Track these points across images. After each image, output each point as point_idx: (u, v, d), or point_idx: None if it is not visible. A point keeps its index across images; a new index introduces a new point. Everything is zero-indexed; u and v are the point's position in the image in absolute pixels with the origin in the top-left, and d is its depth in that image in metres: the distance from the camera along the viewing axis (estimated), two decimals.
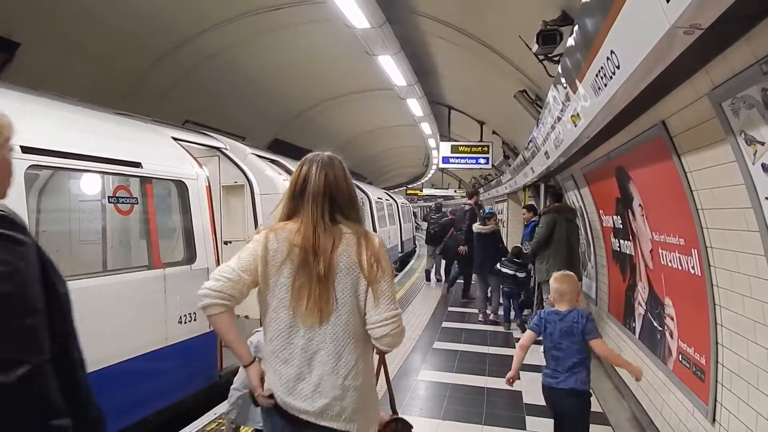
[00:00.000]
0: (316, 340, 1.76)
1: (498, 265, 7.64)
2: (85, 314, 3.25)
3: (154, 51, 6.99)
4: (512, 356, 3.26)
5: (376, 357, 2.13)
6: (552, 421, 3.14)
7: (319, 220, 1.80)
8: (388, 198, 17.14)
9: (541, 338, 3.15)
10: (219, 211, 5.53)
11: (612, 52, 2.21)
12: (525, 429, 4.00)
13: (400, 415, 2.27)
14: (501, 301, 7.81)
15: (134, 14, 6.02)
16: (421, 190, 28.50)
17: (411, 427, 2.24)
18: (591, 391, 3.05)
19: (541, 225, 6.54)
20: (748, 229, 2.33)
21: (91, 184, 4.18)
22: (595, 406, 4.43)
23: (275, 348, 1.80)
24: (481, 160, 10.28)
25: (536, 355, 4.99)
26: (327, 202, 1.83)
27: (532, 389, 4.52)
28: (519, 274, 7.30)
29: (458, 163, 10.49)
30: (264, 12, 6.78)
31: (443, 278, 11.38)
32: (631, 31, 1.95)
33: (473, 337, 6.97)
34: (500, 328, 7.42)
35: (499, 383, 5.03)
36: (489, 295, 8.07)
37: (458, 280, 10.12)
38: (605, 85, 2.48)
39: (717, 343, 2.87)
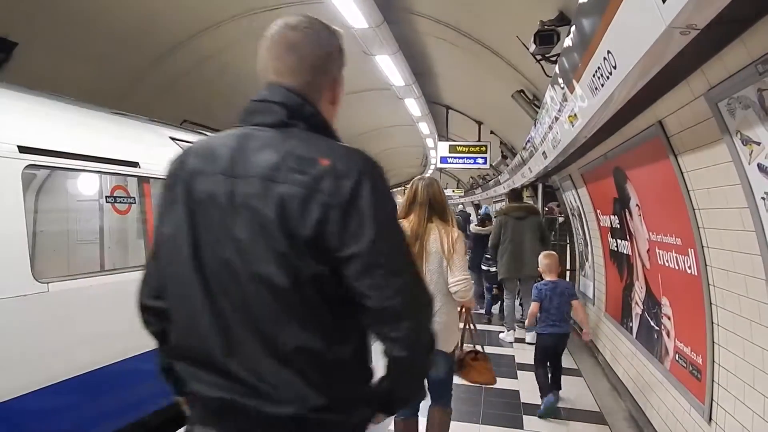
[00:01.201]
0: None
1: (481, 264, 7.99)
2: (83, 314, 3.25)
3: (152, 51, 6.98)
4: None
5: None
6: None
7: (423, 219, 2.94)
8: None
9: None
10: None
11: (609, 52, 2.21)
12: (522, 428, 4.00)
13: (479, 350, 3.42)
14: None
15: (131, 15, 6.01)
16: None
17: (488, 357, 3.42)
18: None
19: (492, 230, 7.05)
20: (744, 229, 2.34)
21: (88, 184, 4.17)
22: (592, 405, 4.45)
23: None
24: (479, 160, 10.28)
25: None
26: (428, 208, 2.97)
27: (529, 389, 4.53)
28: (491, 270, 7.54)
29: (456, 162, 10.49)
30: (261, 12, 6.77)
31: None
32: (628, 32, 1.96)
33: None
34: (496, 328, 7.44)
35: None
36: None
37: None
38: (602, 86, 2.48)
39: (713, 342, 2.88)
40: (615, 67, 2.21)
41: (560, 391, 4.45)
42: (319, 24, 1.29)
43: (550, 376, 4.40)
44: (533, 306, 4.39)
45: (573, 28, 2.79)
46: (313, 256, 1.06)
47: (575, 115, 3.38)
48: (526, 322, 4.68)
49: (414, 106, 9.76)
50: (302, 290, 1.07)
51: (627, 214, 4.39)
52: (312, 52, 1.24)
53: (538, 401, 4.30)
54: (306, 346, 1.08)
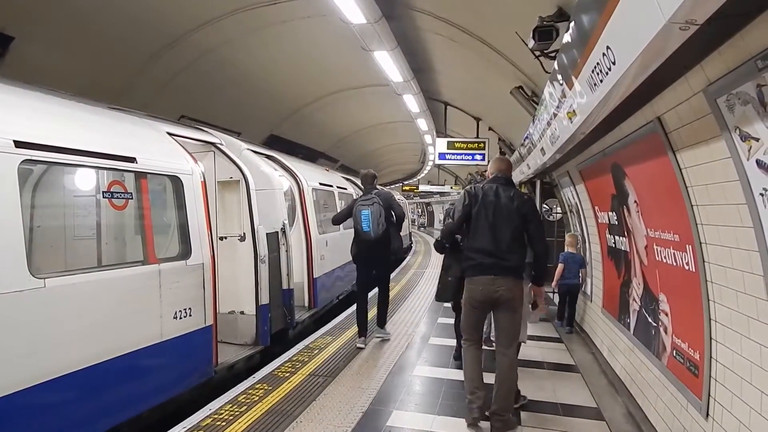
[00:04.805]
0: None
1: None
2: (80, 310, 3.24)
3: (150, 46, 6.95)
4: None
5: None
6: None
7: None
8: None
9: None
10: (214, 207, 5.51)
11: (608, 47, 2.20)
12: (519, 424, 4.01)
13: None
14: None
15: (130, 9, 5.98)
16: (418, 187, 28.47)
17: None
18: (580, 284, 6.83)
19: None
20: (743, 225, 2.34)
21: (85, 180, 4.16)
22: (589, 402, 4.46)
23: None
24: (477, 157, 10.28)
25: (536, 351, 4.97)
26: None
27: (525, 385, 4.54)
28: None
29: (454, 159, 10.49)
30: (260, 7, 6.75)
31: None
32: (627, 27, 1.95)
33: None
34: None
35: (494, 378, 5.04)
36: None
37: None
38: (601, 81, 2.48)
39: (711, 338, 2.88)
40: (614, 63, 2.21)
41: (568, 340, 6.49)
42: (510, 161, 4.37)
43: (566, 314, 6.91)
44: (559, 267, 6.72)
45: (572, 24, 2.79)
46: (523, 219, 3.80)
47: (574, 111, 3.38)
48: (554, 279, 6.72)
49: (412, 102, 9.75)
50: (519, 229, 3.80)
51: (625, 210, 4.39)
52: (509, 164, 4.15)
53: (536, 397, 4.42)
54: (518, 246, 3.81)
